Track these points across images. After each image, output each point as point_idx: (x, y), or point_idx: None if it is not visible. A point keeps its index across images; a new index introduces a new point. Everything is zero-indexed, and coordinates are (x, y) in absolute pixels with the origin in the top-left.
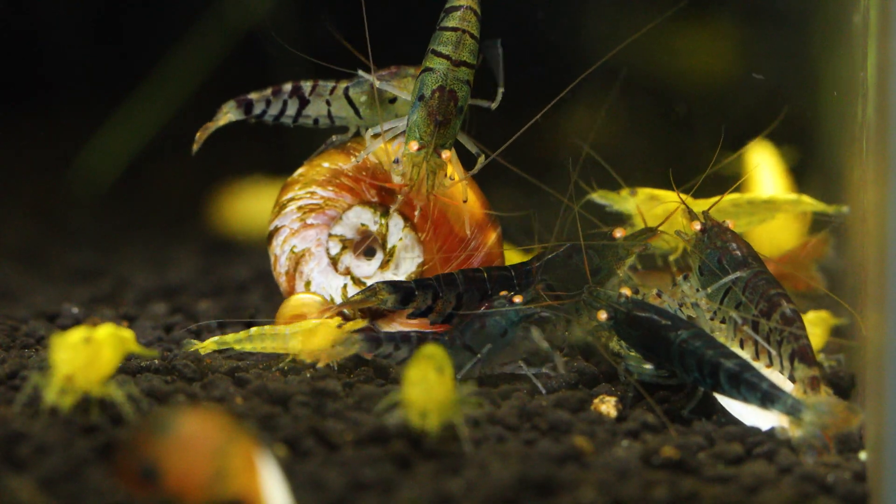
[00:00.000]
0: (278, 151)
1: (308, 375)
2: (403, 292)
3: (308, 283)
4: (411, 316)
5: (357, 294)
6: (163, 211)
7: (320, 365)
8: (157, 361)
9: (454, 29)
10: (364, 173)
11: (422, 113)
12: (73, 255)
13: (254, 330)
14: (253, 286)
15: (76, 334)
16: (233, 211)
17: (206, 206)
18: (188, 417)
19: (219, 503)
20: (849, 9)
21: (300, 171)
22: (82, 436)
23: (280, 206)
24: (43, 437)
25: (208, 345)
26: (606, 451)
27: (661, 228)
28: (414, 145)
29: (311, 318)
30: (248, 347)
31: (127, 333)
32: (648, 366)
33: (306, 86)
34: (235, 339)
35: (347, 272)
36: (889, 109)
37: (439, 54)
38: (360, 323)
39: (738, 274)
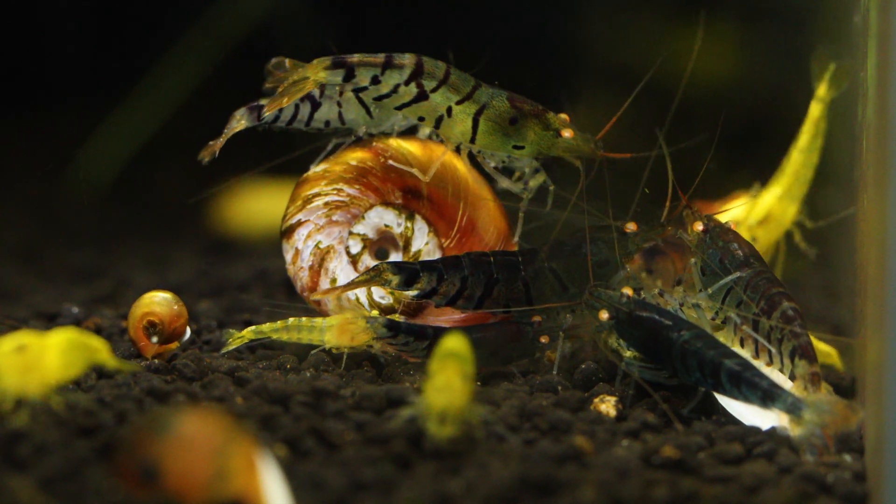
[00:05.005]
0: (278, 152)
1: (308, 375)
2: (408, 273)
3: (334, 281)
4: (415, 298)
5: (361, 275)
6: (163, 211)
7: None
8: (156, 361)
9: (445, 78)
10: (393, 175)
11: (530, 120)
12: (73, 255)
13: (291, 320)
14: (253, 286)
15: (9, 342)
16: (233, 211)
17: (206, 206)
18: (188, 417)
19: (219, 503)
20: (849, 9)
21: (324, 166)
22: (82, 436)
23: (304, 201)
24: (43, 437)
25: (246, 334)
26: (606, 450)
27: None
28: (568, 132)
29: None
30: (284, 337)
31: (97, 343)
32: (648, 365)
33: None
34: (272, 329)
35: None
36: (889, 109)
37: (469, 95)
38: (391, 316)
39: (738, 274)
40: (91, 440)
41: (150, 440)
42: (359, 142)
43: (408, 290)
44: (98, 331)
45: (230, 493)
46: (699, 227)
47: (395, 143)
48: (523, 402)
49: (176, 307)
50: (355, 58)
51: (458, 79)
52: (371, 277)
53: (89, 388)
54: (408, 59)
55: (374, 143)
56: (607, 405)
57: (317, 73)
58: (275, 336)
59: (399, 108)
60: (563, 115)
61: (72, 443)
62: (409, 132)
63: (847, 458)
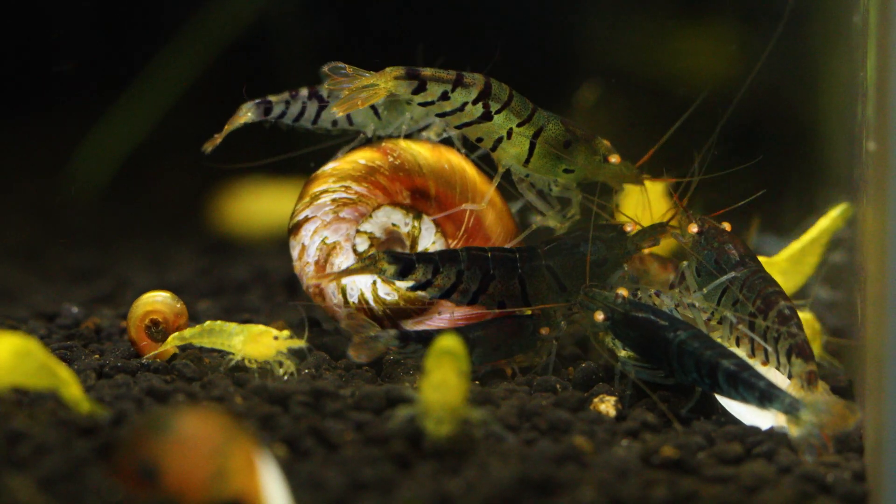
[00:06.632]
0: (278, 152)
1: (308, 375)
2: (403, 263)
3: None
4: (410, 289)
5: (356, 263)
6: (163, 211)
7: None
8: (157, 360)
9: (508, 101)
10: (401, 174)
11: (581, 144)
12: (73, 255)
13: (207, 324)
14: (252, 286)
15: None
16: (233, 211)
17: (206, 206)
18: (188, 417)
19: (218, 503)
20: (849, 9)
21: (333, 165)
22: (82, 436)
23: (312, 198)
24: (43, 437)
25: (171, 341)
26: (606, 450)
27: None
28: (614, 158)
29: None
30: (205, 343)
31: (66, 374)
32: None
33: (323, 89)
34: (192, 335)
35: None
36: (889, 109)
37: (529, 118)
38: (297, 342)
39: (733, 274)
40: (91, 440)
41: (150, 440)
42: (368, 143)
43: (403, 280)
44: (98, 331)
45: (230, 493)
46: (694, 228)
47: (404, 143)
48: (523, 401)
49: (178, 306)
50: (428, 72)
51: (518, 102)
52: (367, 265)
53: (89, 388)
54: (477, 79)
55: (384, 143)
56: (607, 405)
57: (387, 81)
58: (195, 342)
59: (459, 126)
60: (607, 142)
61: (71, 443)
62: (415, 135)
63: None
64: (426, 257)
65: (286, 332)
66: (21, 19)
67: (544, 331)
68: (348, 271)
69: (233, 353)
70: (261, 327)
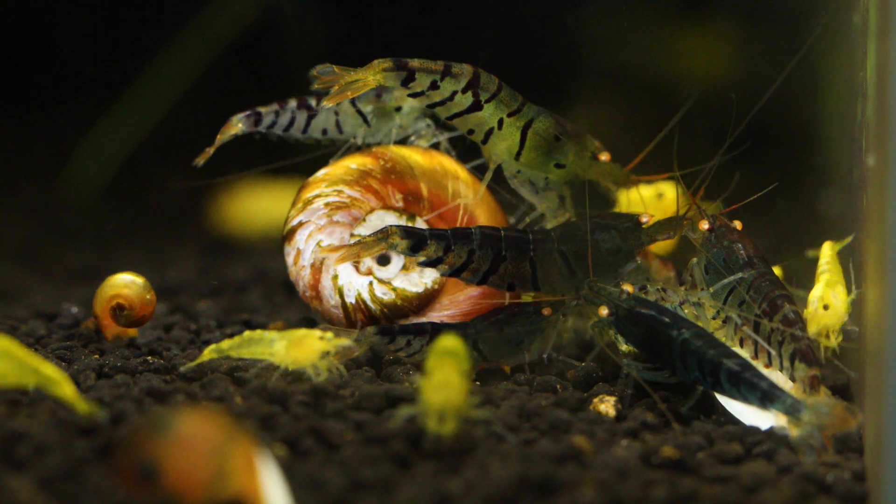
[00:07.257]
0: (278, 153)
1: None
2: (416, 239)
3: (336, 277)
4: (421, 264)
5: (369, 236)
6: (163, 211)
7: (336, 360)
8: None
9: (497, 91)
10: (393, 177)
11: (571, 139)
12: (72, 255)
13: (246, 334)
14: (252, 286)
15: None
16: (233, 211)
17: (206, 206)
18: (187, 417)
19: (218, 503)
20: (849, 9)
21: (325, 170)
22: (82, 436)
23: (305, 203)
24: (43, 437)
25: (207, 354)
26: (606, 450)
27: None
28: (605, 156)
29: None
30: (244, 354)
31: (54, 374)
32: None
33: (311, 99)
34: (230, 346)
35: (369, 272)
36: (889, 109)
37: (519, 109)
38: (344, 340)
39: (740, 275)
40: (90, 440)
41: (150, 440)
42: (359, 150)
43: (414, 255)
44: (97, 331)
45: (230, 493)
46: (705, 225)
47: (395, 147)
48: (523, 401)
49: (148, 296)
50: (415, 62)
51: (507, 93)
52: (379, 239)
53: (89, 388)
54: (465, 69)
55: (375, 149)
56: (607, 405)
57: (375, 73)
58: (234, 353)
59: (450, 117)
60: (597, 141)
61: (71, 443)
62: (404, 142)
63: None
64: (439, 234)
65: (330, 333)
66: (21, 19)
67: (546, 311)
68: (361, 244)
69: (272, 361)
70: (303, 331)
